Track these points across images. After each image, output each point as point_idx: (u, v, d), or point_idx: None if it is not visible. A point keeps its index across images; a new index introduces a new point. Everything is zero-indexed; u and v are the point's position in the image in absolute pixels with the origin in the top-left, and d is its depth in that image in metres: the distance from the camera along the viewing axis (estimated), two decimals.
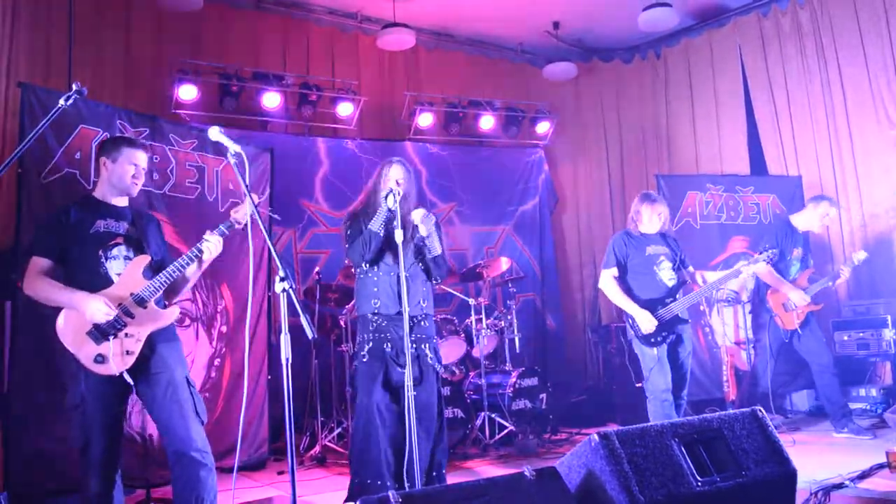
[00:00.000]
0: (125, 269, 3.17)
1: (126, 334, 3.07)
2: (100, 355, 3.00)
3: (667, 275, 4.87)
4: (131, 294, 3.12)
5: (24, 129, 4.29)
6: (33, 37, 5.69)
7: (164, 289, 3.20)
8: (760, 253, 5.32)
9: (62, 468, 4.15)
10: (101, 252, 3.16)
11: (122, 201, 3.35)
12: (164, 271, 3.19)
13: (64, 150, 4.47)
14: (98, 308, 3.00)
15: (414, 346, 3.69)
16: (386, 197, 3.74)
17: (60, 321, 3.04)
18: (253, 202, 2.85)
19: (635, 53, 9.10)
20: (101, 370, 3.01)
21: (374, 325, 3.86)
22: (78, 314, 3.03)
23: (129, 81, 6.52)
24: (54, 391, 4.25)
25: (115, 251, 3.19)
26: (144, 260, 3.24)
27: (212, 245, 3.23)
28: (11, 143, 5.16)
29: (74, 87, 2.64)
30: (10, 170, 4.41)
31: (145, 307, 3.14)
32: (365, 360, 3.85)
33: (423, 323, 3.95)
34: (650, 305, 4.76)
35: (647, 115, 8.87)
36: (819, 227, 5.84)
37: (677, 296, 4.85)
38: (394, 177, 3.93)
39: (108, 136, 4.71)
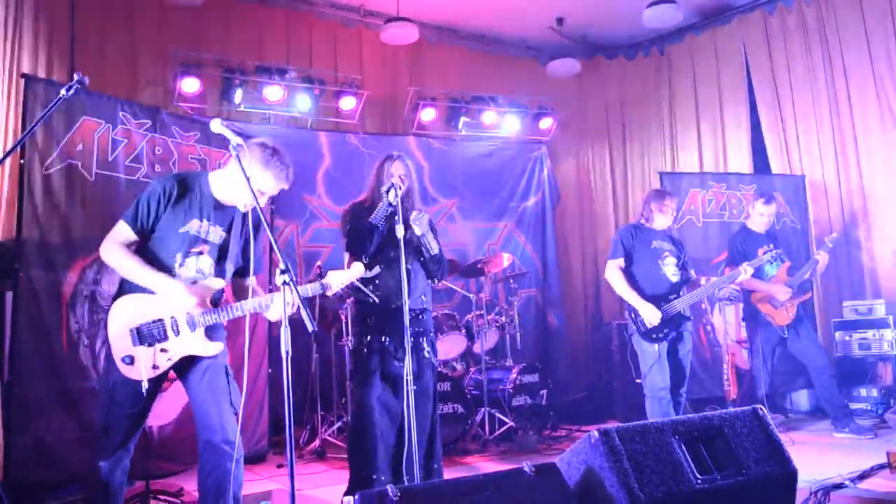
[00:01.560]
0: (195, 286, 3.01)
1: (161, 349, 2.96)
2: (129, 356, 2.92)
3: (671, 270, 4.86)
4: (187, 314, 2.99)
5: (26, 120, 4.29)
6: (36, 29, 5.68)
7: (220, 322, 3.07)
8: (765, 254, 5.34)
9: (62, 459, 4.17)
10: (179, 255, 3.02)
11: (232, 200, 3.14)
12: (229, 307, 3.04)
13: (66, 141, 4.47)
14: (186, 300, 2.91)
15: (412, 339, 3.69)
16: (387, 191, 3.74)
17: (115, 309, 2.95)
18: (255, 197, 2.82)
19: (639, 50, 9.07)
20: (125, 370, 2.93)
21: (373, 318, 3.86)
22: (134, 308, 2.93)
23: (132, 74, 6.52)
24: (55, 381, 4.26)
25: (191, 259, 3.03)
26: (218, 284, 3.09)
27: (280, 299, 2.82)
28: (14, 135, 5.16)
29: (76, 77, 2.63)
30: (12, 160, 4.44)
31: (194, 331, 3.01)
32: (363, 352, 3.86)
33: (421, 317, 3.96)
34: (653, 301, 4.74)
35: (651, 113, 8.85)
36: (764, 227, 5.82)
37: (681, 292, 4.84)
38: (396, 172, 3.92)
39: (110, 127, 4.71)
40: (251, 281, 3.26)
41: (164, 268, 2.99)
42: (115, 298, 3.03)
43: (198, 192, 3.09)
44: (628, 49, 9.11)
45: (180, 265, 3.02)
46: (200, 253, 3.06)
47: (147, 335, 2.94)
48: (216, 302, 3.10)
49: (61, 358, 4.33)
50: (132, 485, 4.29)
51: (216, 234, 3.10)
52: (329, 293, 3.27)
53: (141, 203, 3.02)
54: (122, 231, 2.99)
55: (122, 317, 2.96)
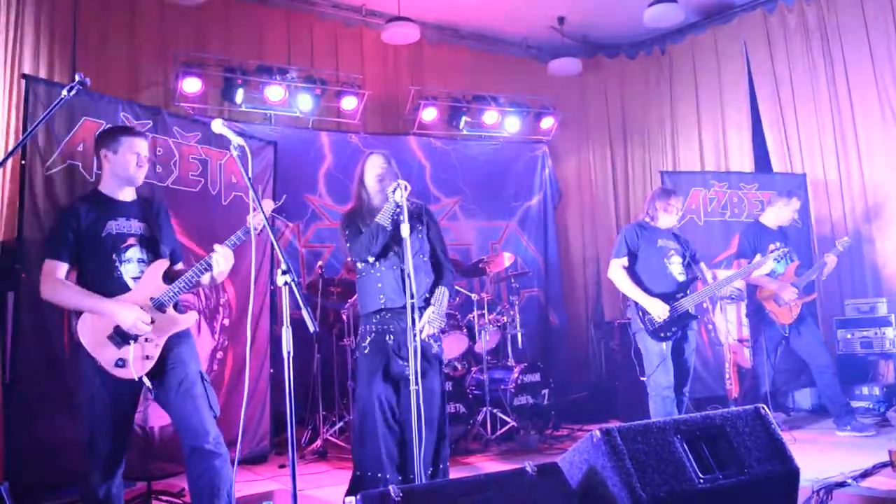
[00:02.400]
0: (145, 274, 3.16)
1: (146, 339, 3.06)
2: (120, 359, 3.00)
3: (677, 269, 4.84)
4: (151, 299, 3.10)
5: (27, 120, 4.28)
6: (37, 29, 5.67)
7: (181, 294, 3.19)
8: (772, 252, 5.34)
9: (63, 460, 4.16)
10: (114, 256, 3.13)
11: (129, 194, 3.30)
12: (182, 278, 3.15)
13: (67, 141, 4.47)
14: (136, 317, 3.01)
15: (416, 338, 3.68)
16: (394, 191, 3.73)
17: (81, 325, 3.02)
18: (256, 195, 2.84)
19: (640, 49, 9.07)
20: (121, 374, 3.00)
21: (378, 317, 3.86)
22: (99, 318, 3.01)
23: (133, 74, 6.52)
24: (56, 382, 4.26)
25: (128, 253, 3.16)
26: (163, 265, 3.21)
27: (220, 257, 3.17)
28: (16, 135, 5.16)
29: (77, 77, 2.63)
30: (13, 161, 4.43)
31: (164, 312, 3.13)
32: (366, 351, 3.86)
33: None
34: (661, 300, 4.71)
35: (652, 112, 8.85)
36: (790, 220, 5.88)
37: (688, 291, 4.81)
38: (374, 166, 3.95)
39: (111, 125, 4.71)
40: (180, 266, 3.39)
41: (108, 274, 3.10)
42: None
43: (99, 202, 3.23)
44: (629, 48, 9.10)
45: (121, 262, 3.13)
46: (132, 245, 3.18)
47: (128, 333, 3.03)
48: (169, 279, 3.20)
49: (62, 359, 4.33)
50: (134, 485, 4.30)
51: (134, 226, 3.23)
52: (256, 232, 3.31)
53: (56, 235, 3.14)
54: (53, 267, 3.08)
55: (94, 328, 3.02)
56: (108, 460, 3.04)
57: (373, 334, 3.86)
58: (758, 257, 5.29)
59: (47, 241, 3.24)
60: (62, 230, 3.13)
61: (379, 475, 3.71)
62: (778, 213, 5.82)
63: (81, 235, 3.11)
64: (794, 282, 5.60)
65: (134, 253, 3.17)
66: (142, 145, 3.28)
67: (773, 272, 5.63)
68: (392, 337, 3.83)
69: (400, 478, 3.73)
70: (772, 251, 5.42)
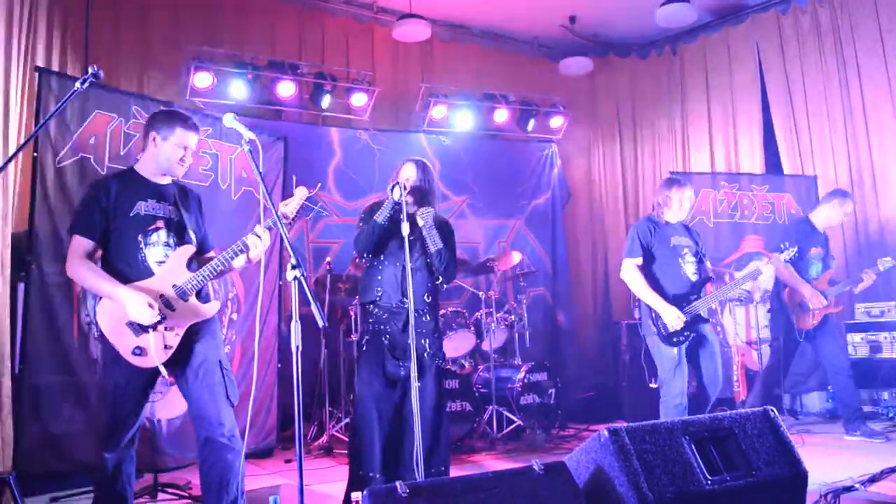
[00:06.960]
0: (169, 259, 3.11)
1: (166, 328, 3.02)
2: (138, 348, 2.97)
3: (691, 269, 4.66)
4: (174, 286, 3.06)
5: (39, 113, 4.30)
6: (50, 22, 5.69)
7: (207, 283, 3.16)
8: (782, 252, 5.20)
9: (71, 450, 4.19)
10: (140, 237, 3.09)
11: (164, 180, 3.26)
12: (208, 265, 3.12)
13: (79, 134, 4.48)
14: (143, 310, 2.93)
15: (417, 337, 3.67)
16: (392, 189, 3.74)
17: (100, 310, 3.00)
18: (267, 190, 2.84)
19: (652, 49, 9.03)
20: (139, 362, 2.98)
21: (374, 316, 3.86)
22: (118, 304, 2.98)
23: (145, 68, 6.53)
24: (65, 373, 4.29)
25: (153, 237, 3.11)
26: (189, 251, 3.17)
27: (258, 239, 3.12)
28: (28, 128, 5.18)
29: (90, 70, 2.63)
30: (25, 153, 4.45)
31: (187, 300, 3.08)
32: (364, 350, 3.87)
33: (424, 317, 3.92)
34: (675, 302, 4.52)
35: (663, 112, 8.81)
36: (838, 222, 5.80)
37: (700, 292, 4.66)
38: (403, 175, 3.94)
39: (123, 121, 4.73)
40: (211, 254, 3.35)
41: (132, 257, 3.06)
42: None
43: (132, 181, 3.19)
44: (641, 48, 9.07)
45: (145, 245, 3.09)
46: (158, 228, 3.14)
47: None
48: (196, 267, 3.17)
49: (72, 350, 4.35)
50: (141, 477, 4.31)
51: (164, 210, 3.19)
52: (287, 221, 3.31)
53: (85, 211, 3.10)
54: (79, 244, 3.05)
55: (114, 314, 2.99)
56: (125, 443, 3.06)
57: (369, 334, 3.87)
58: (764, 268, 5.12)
59: (75, 216, 3.16)
60: (90, 207, 3.08)
61: (371, 474, 3.71)
62: (829, 213, 5.69)
63: (109, 213, 3.07)
64: (826, 290, 5.52)
65: (160, 237, 3.13)
66: (192, 139, 3.23)
67: (809, 274, 5.53)
68: (387, 337, 3.84)
69: (384, 478, 3.72)
70: (782, 250, 5.29)
